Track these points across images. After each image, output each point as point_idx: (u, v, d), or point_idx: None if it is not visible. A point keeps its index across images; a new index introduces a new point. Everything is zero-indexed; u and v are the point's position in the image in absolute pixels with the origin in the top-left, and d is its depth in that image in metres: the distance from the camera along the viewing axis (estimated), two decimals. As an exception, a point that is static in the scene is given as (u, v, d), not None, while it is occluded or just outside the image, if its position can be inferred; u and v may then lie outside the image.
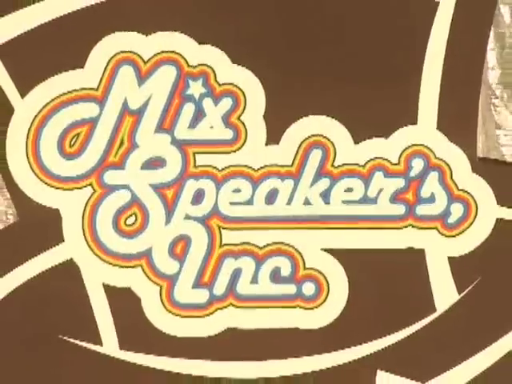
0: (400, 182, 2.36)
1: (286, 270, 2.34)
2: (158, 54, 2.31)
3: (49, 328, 2.39)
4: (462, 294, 2.41)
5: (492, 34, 2.57)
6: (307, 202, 2.34)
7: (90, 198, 2.30)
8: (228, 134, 2.35)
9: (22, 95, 2.34)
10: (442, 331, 2.46)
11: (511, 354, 2.46)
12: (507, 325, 2.46)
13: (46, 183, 2.31)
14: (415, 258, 2.41)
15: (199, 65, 2.30)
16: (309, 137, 2.34)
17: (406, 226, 2.37)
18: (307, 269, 2.37)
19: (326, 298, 2.39)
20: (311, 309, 2.42)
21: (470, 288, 2.40)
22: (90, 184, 2.32)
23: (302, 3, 2.40)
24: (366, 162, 2.35)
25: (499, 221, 2.39)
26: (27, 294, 2.36)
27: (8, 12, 2.34)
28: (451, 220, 2.37)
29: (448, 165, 2.36)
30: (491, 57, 2.65)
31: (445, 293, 2.43)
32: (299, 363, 2.41)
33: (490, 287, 2.42)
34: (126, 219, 2.34)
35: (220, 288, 2.35)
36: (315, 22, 2.38)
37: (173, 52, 2.32)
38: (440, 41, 2.38)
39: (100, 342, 2.38)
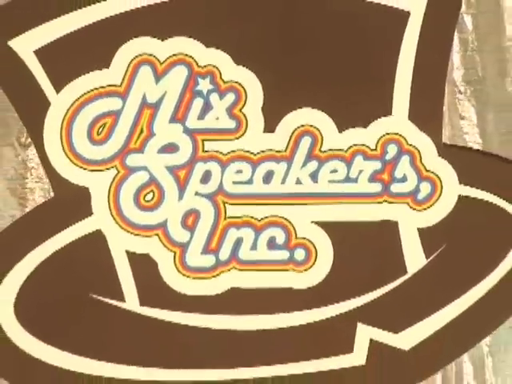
0: (377, 165, 2.61)
1: (280, 239, 2.60)
2: (172, 56, 2.55)
3: (81, 288, 2.65)
4: (429, 259, 2.70)
5: (456, 38, 2.84)
6: (298, 182, 2.58)
7: (114, 178, 2.56)
8: (231, 124, 2.58)
9: (57, 91, 2.60)
10: (412, 290, 2.70)
11: (471, 309, 2.74)
12: (467, 284, 2.74)
13: (77, 166, 2.57)
14: (390, 229, 2.65)
15: (207, 65, 2.54)
16: (300, 126, 2.58)
17: (381, 202, 2.62)
18: (298, 238, 2.62)
19: (314, 262, 2.64)
20: (301, 271, 2.67)
21: (436, 254, 2.69)
22: (115, 166, 2.57)
23: (296, 15, 2.68)
24: (348, 148, 2.60)
25: (461, 197, 2.66)
26: (63, 258, 2.61)
27: (47, 20, 2.61)
28: (420, 196, 2.62)
29: (418, 150, 2.62)
30: (456, 58, 2.92)
31: (415, 258, 2.68)
32: (291, 317, 2.70)
33: (453, 253, 2.67)
34: (145, 196, 2.59)
35: (224, 254, 2.60)
36: (306, 31, 2.65)
37: (184, 54, 2.57)
38: (411, 45, 2.63)
39: (123, 300, 2.64)
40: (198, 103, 2.74)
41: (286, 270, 2.84)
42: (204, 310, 2.86)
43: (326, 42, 2.78)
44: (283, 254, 2.81)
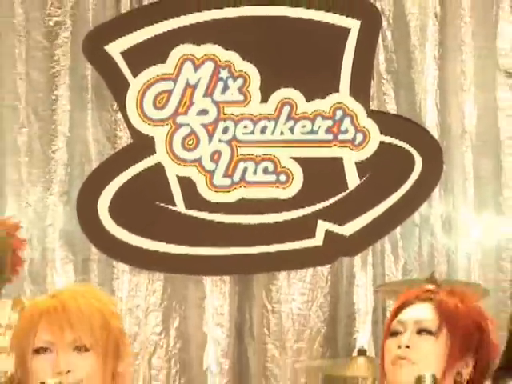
0: (330, 123, 3.80)
1: (270, 168, 3.77)
2: (204, 55, 3.79)
3: (150, 198, 3.87)
4: (362, 180, 3.97)
5: (381, 44, 4.12)
6: (282, 133, 3.76)
7: (168, 130, 3.75)
8: (240, 97, 3.74)
9: (134, 77, 3.84)
10: (351, 198, 3.84)
11: (388, 209, 3.97)
12: (386, 194, 3.92)
13: (146, 123, 3.79)
14: (338, 162, 3.84)
15: (225, 61, 3.77)
16: (283, 99, 3.77)
17: (332, 146, 3.86)
18: (282, 167, 3.82)
19: (292, 182, 3.87)
20: (284, 188, 3.84)
21: (365, 176, 3.96)
22: (169, 123, 3.80)
23: (280, 32, 3.97)
24: (312, 112, 3.78)
25: (381, 142, 3.93)
26: (139, 179, 3.77)
27: (128, 33, 3.87)
28: (356, 142, 3.79)
29: (355, 113, 3.80)
30: (381, 57, 4.14)
31: (352, 179, 3.86)
32: (278, 215, 3.99)
33: (376, 175, 3.83)
34: (188, 141, 3.82)
35: (236, 177, 3.77)
36: (285, 41, 3.88)
37: (212, 54, 3.84)
38: (351, 49, 3.80)
39: (175, 205, 3.93)
40: (220, 85, 3.92)
41: (275, 187, 3.99)
42: (223, 212, 4.04)
43: (298, 48, 4.02)
44: (272, 177, 3.92)
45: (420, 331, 2.43)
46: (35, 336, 2.29)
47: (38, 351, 2.28)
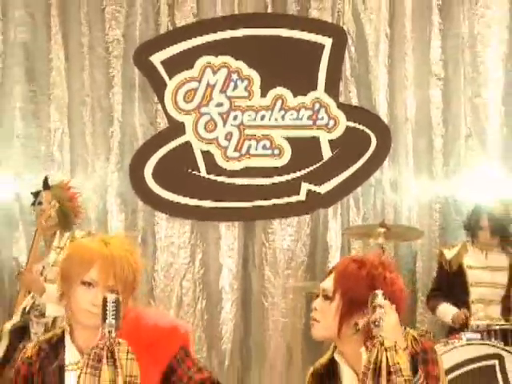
0: (310, 112, 4.55)
1: (267, 145, 4.55)
2: (220, 64, 4.52)
3: (181, 166, 4.62)
4: (333, 153, 4.60)
5: (347, 56, 4.76)
6: (276, 120, 4.55)
7: (194, 118, 4.50)
8: (246, 94, 4.55)
9: (170, 79, 4.54)
10: (325, 166, 4.70)
11: (356, 172, 4.76)
12: (352, 162, 4.81)
13: (178, 112, 4.52)
14: (316, 142, 4.67)
15: (235, 68, 4.50)
16: (276, 95, 4.52)
17: (312, 128, 4.67)
18: (276, 144, 4.56)
19: (283, 155, 4.54)
20: (277, 159, 4.60)
21: (336, 151, 4.57)
22: (195, 112, 4.51)
23: (275, 49, 4.74)
24: (298, 104, 4.52)
25: (347, 127, 4.60)
26: (173, 153, 4.54)
27: (166, 47, 4.65)
28: (329, 126, 4.56)
29: (328, 105, 4.55)
30: (347, 65, 5.01)
31: (326, 153, 4.70)
32: (272, 179, 4.62)
33: (344, 150, 4.59)
34: (208, 125, 4.52)
35: (243, 151, 4.56)
36: (279, 55, 4.60)
37: (226, 63, 4.52)
38: (325, 59, 4.60)
39: (199, 171, 4.58)
40: (231, 85, 4.71)
41: (271, 158, 4.79)
42: (233, 176, 4.85)
43: (287, 58, 4.82)
44: (269, 151, 4.78)
45: (323, 296, 2.62)
46: (87, 272, 2.56)
47: (84, 283, 2.56)
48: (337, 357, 2.68)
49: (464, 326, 4.96)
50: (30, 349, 2.72)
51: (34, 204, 4.90)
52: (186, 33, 4.95)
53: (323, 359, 2.74)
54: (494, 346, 4.68)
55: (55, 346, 2.68)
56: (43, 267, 4.68)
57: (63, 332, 2.69)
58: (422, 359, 2.58)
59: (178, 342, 2.74)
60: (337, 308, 2.58)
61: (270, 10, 5.21)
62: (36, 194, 4.91)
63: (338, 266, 2.64)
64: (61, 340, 2.67)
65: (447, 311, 5.08)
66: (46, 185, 4.81)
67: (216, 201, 5.05)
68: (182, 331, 2.73)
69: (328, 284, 2.57)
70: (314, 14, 5.24)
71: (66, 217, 4.78)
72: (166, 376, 2.67)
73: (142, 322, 2.70)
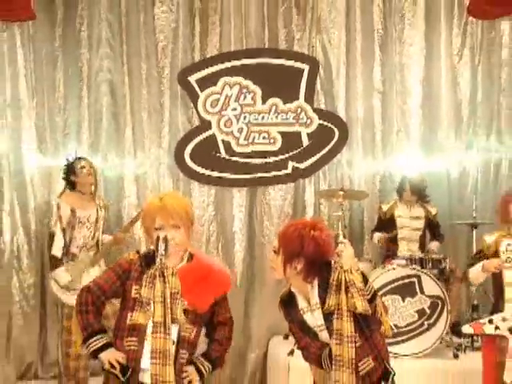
0: (294, 114, 5.63)
1: (266, 136, 5.62)
2: (235, 82, 5.62)
3: (210, 150, 5.59)
4: (309, 142, 5.61)
5: (318, 77, 5.76)
6: (271, 119, 5.65)
7: (218, 118, 5.60)
8: (252, 102, 5.65)
9: (201, 92, 5.63)
10: (305, 151, 5.62)
11: (324, 155, 5.59)
12: (322, 148, 5.61)
13: (206, 113, 5.59)
14: (298, 134, 5.65)
15: (245, 85, 5.63)
16: (272, 103, 5.61)
17: (295, 125, 5.65)
18: (271, 136, 5.64)
19: (276, 143, 5.60)
20: (272, 145, 5.59)
21: (311, 140, 5.62)
22: (218, 114, 5.59)
23: (270, 74, 5.63)
24: (286, 109, 5.62)
25: (319, 124, 5.68)
26: (203, 142, 5.58)
27: (199, 70, 5.60)
28: (307, 124, 5.64)
29: (306, 110, 5.65)
30: (318, 83, 5.79)
31: (305, 142, 5.67)
32: (270, 159, 5.55)
33: (317, 140, 5.63)
34: (226, 123, 5.62)
35: (250, 140, 5.62)
36: (273, 76, 5.61)
37: (238, 82, 5.61)
38: (305, 78, 5.68)
39: (221, 153, 5.64)
40: (242, 96, 5.72)
41: (268, 145, 5.66)
42: (243, 157, 5.69)
43: (280, 78, 5.72)
44: (266, 141, 5.70)
45: (273, 251, 2.92)
46: (155, 221, 2.90)
47: (156, 229, 2.88)
48: (292, 289, 3.03)
49: (391, 256, 5.51)
50: (131, 255, 3.02)
51: (74, 170, 4.94)
52: (212, 61, 5.77)
53: (285, 290, 3.06)
54: (414, 268, 5.16)
55: (145, 260, 2.96)
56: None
57: (150, 252, 2.96)
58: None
59: (226, 285, 3.05)
60: (281, 259, 2.90)
61: (267, 46, 5.81)
62: (72, 164, 4.98)
63: (281, 230, 2.99)
64: (150, 257, 2.93)
65: (377, 235, 5.66)
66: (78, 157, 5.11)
67: (231, 173, 5.82)
68: (227, 279, 3.07)
69: (275, 243, 2.96)
70: (296, 48, 5.86)
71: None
72: (213, 304, 2.99)
73: (199, 259, 3.01)
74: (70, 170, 5.04)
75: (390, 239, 5.64)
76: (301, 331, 3.04)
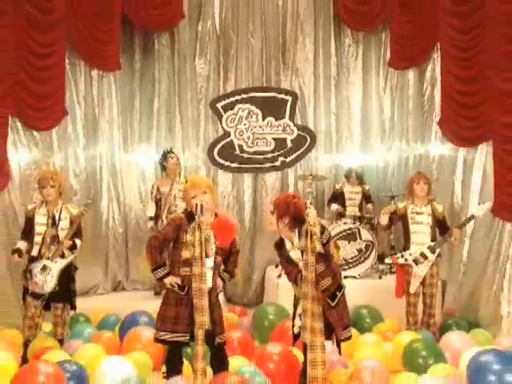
0: (282, 127, 6.44)
1: (264, 141, 6.49)
2: (246, 108, 6.43)
3: (228, 150, 6.34)
4: (291, 145, 6.41)
5: (297, 104, 6.55)
6: (267, 131, 6.40)
7: (234, 130, 6.43)
8: (255, 119, 6.39)
9: (224, 113, 6.46)
10: (289, 150, 6.50)
11: (300, 154, 6.43)
12: (299, 149, 6.44)
13: (228, 127, 6.43)
14: (285, 140, 6.40)
15: (252, 110, 6.49)
16: (268, 120, 6.49)
17: (283, 134, 6.39)
18: (268, 141, 6.44)
19: (270, 145, 6.48)
20: (268, 147, 6.48)
21: (293, 144, 6.40)
22: (234, 127, 6.45)
23: (267, 102, 6.42)
24: (277, 124, 6.49)
25: (298, 133, 6.36)
26: (224, 146, 6.45)
27: (224, 100, 6.44)
28: (290, 133, 6.43)
29: (289, 125, 6.48)
30: (297, 108, 6.46)
31: (289, 144, 6.44)
32: (267, 155, 6.50)
33: (296, 144, 6.41)
34: (240, 133, 6.50)
35: (254, 143, 6.43)
36: (268, 104, 6.40)
37: (247, 107, 6.44)
38: (288, 105, 6.42)
39: (236, 151, 6.43)
40: (249, 116, 6.48)
41: (265, 147, 6.44)
42: (250, 154, 6.47)
43: (272, 105, 6.47)
44: (265, 144, 6.44)
45: (270, 212, 3.09)
46: (191, 192, 3.15)
47: (193, 197, 3.14)
48: (282, 236, 3.20)
49: (342, 216, 6.09)
50: (180, 215, 3.32)
51: (165, 160, 5.61)
52: (230, 94, 6.44)
53: (278, 238, 3.21)
54: (355, 223, 5.75)
55: (188, 218, 3.18)
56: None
57: (190, 213, 3.20)
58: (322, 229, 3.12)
59: (235, 233, 3.38)
60: (275, 217, 3.10)
61: (265, 85, 6.42)
62: (165, 155, 5.63)
63: (275, 199, 3.21)
64: (191, 216, 3.15)
65: (333, 206, 6.07)
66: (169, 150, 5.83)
67: (242, 164, 6.42)
68: (235, 229, 3.43)
69: (271, 207, 3.16)
70: (283, 86, 6.51)
71: None
72: (230, 243, 3.30)
73: (221, 216, 3.29)
74: (163, 158, 5.65)
75: (338, 210, 6.12)
76: (286, 263, 3.20)
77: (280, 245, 3.19)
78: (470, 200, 5.33)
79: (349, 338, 3.25)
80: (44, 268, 3.85)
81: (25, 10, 4.82)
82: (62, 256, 4.07)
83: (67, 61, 5.53)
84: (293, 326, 3.19)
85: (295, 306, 3.16)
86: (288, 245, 3.18)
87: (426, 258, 4.49)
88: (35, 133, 5.33)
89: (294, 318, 3.20)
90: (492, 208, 4.77)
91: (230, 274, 3.40)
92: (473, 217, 4.65)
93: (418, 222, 4.65)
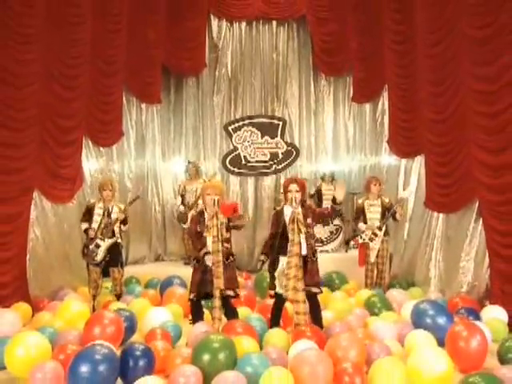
0: (275, 144, 6.46)
1: (263, 153, 6.54)
2: (249, 130, 6.44)
3: (236, 160, 6.32)
4: (281, 156, 6.37)
5: (286, 127, 6.55)
6: (265, 146, 6.44)
7: (242, 146, 6.45)
8: (256, 138, 6.38)
9: (234, 133, 6.45)
10: (280, 159, 6.37)
11: (290, 161, 6.34)
12: (288, 158, 6.41)
13: (236, 144, 6.44)
14: (277, 153, 6.42)
15: (253, 131, 6.47)
16: (266, 138, 6.46)
17: (276, 149, 6.40)
18: (265, 152, 6.49)
19: (268, 155, 6.57)
20: (266, 156, 6.54)
21: (283, 155, 6.43)
22: (242, 144, 6.45)
23: (265, 126, 6.35)
24: (272, 142, 6.51)
25: (286, 148, 6.37)
26: (234, 157, 6.42)
27: (233, 124, 6.41)
28: (281, 148, 6.47)
29: (281, 142, 6.50)
30: (286, 130, 6.48)
31: (280, 156, 6.49)
32: (265, 162, 6.50)
33: (285, 155, 6.38)
34: (245, 147, 6.46)
35: (255, 155, 6.48)
36: (266, 128, 6.33)
37: (250, 129, 6.51)
38: (280, 128, 6.44)
39: (242, 161, 6.43)
40: (252, 135, 6.48)
41: (263, 156, 6.40)
42: (253, 163, 6.42)
43: (268, 129, 6.36)
44: (263, 155, 6.42)
45: (295, 191, 3.17)
46: (207, 192, 3.18)
47: (208, 194, 3.18)
48: (285, 207, 3.25)
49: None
50: (198, 211, 3.40)
51: (188, 168, 5.91)
52: (238, 120, 6.46)
53: (280, 207, 3.35)
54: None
55: (202, 213, 3.30)
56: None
57: (203, 209, 3.30)
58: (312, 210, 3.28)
59: (232, 211, 3.35)
60: (301, 195, 3.12)
61: (263, 113, 6.43)
62: (188, 165, 5.94)
63: (298, 180, 3.28)
64: (203, 211, 3.27)
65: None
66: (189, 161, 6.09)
67: (247, 171, 6.42)
68: (232, 208, 3.47)
69: (297, 187, 3.21)
70: (276, 114, 6.52)
71: None
72: (229, 220, 3.27)
73: (226, 203, 3.44)
74: (186, 167, 6.01)
75: (318, 205, 6.04)
76: (277, 223, 3.27)
77: (280, 212, 3.22)
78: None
79: (321, 291, 3.39)
80: (97, 245, 4.09)
81: (95, 63, 5.07)
82: (111, 237, 4.26)
83: (124, 97, 5.80)
84: (273, 285, 3.30)
85: (271, 271, 3.29)
86: (287, 211, 3.22)
87: (376, 235, 4.57)
88: (101, 148, 5.54)
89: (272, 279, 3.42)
90: (424, 202, 4.90)
91: (234, 227, 3.36)
92: (402, 199, 4.73)
93: (372, 211, 4.71)
